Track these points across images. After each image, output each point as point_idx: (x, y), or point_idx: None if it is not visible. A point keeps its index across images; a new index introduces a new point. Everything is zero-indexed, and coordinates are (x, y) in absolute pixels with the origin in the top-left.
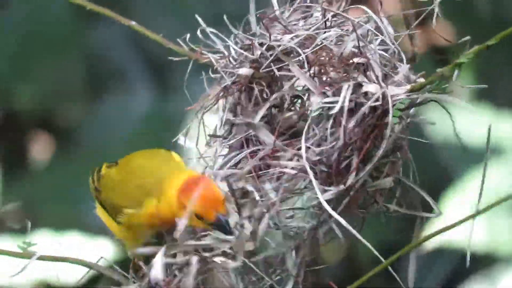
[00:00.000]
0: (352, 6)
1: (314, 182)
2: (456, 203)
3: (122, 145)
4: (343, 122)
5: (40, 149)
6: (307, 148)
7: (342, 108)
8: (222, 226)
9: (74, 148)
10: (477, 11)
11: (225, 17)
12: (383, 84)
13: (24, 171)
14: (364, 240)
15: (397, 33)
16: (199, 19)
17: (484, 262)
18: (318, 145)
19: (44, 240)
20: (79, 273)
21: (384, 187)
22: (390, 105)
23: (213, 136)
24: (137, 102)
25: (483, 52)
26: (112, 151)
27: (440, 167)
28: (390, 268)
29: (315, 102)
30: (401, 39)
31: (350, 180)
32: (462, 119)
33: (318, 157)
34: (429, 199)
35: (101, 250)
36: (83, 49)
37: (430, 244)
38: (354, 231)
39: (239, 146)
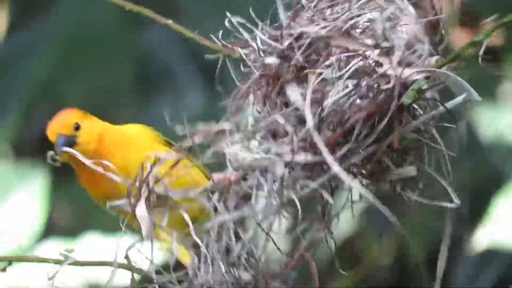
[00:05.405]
0: None
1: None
2: (508, 203)
3: None
4: (341, 93)
5: None
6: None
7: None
8: (57, 145)
9: None
10: None
11: (250, 9)
12: (396, 65)
13: (74, 174)
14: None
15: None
16: (228, 15)
17: None
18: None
19: (94, 243)
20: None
21: (407, 175)
22: (398, 82)
23: (238, 131)
24: (188, 103)
25: None
26: None
27: (491, 167)
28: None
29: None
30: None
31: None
32: None
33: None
34: (448, 187)
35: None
36: (133, 50)
37: (482, 246)
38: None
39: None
